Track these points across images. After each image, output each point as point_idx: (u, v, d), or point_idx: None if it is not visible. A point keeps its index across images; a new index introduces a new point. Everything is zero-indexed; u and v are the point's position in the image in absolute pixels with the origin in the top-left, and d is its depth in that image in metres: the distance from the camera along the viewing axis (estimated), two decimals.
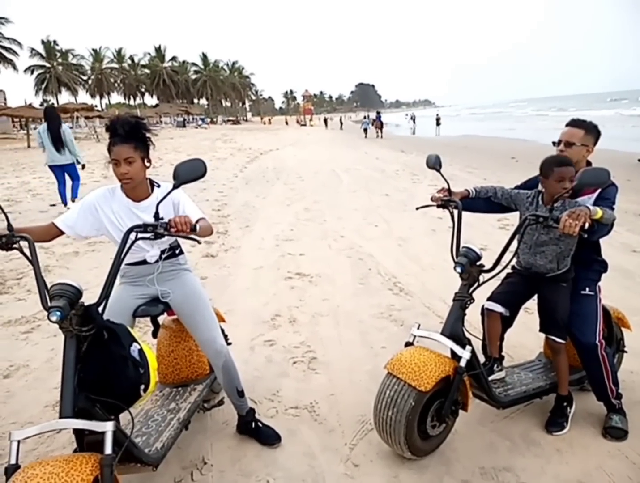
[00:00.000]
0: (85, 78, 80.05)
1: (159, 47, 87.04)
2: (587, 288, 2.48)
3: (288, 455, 2.35)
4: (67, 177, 8.08)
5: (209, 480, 2.21)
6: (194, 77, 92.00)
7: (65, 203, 8.03)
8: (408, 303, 4.21)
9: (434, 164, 2.54)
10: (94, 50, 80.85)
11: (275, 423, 2.58)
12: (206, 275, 4.98)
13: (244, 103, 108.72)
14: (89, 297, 1.74)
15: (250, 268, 5.24)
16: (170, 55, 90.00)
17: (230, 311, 4.09)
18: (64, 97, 73.89)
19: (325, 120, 54.50)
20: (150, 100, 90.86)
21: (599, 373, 2.40)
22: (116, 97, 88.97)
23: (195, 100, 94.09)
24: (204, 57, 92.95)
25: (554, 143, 2.57)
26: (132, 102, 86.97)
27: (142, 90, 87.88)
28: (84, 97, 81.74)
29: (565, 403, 2.52)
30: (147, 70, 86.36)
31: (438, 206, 2.57)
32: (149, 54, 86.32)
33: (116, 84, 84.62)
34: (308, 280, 4.83)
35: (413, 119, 42.35)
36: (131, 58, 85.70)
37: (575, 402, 2.57)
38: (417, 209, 2.79)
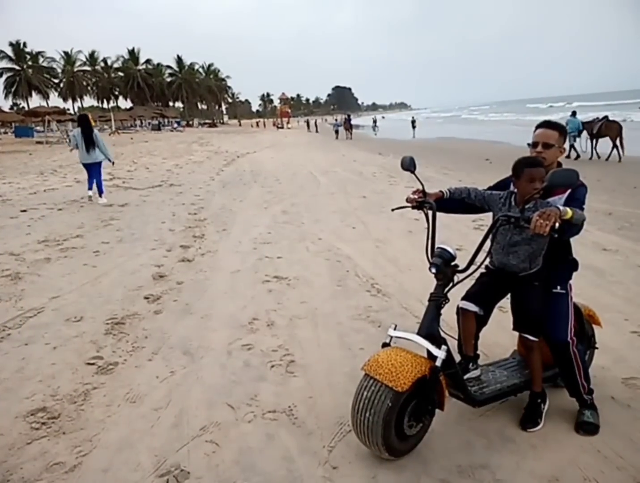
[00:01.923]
0: (56, 81, 78.45)
1: (133, 49, 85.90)
2: (558, 287, 2.52)
3: (266, 459, 2.34)
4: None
5: None
6: (169, 79, 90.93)
7: (90, 188, 9.62)
8: (386, 304, 4.23)
9: (409, 165, 2.57)
10: (66, 53, 79.25)
11: (253, 428, 2.57)
12: (182, 280, 4.92)
13: (220, 106, 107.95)
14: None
15: (228, 272, 5.20)
16: (145, 58, 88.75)
17: (208, 316, 4.05)
18: (35, 101, 72.37)
19: (308, 123, 54.14)
20: (124, 103, 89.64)
21: (571, 370, 2.45)
22: (89, 100, 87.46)
23: (171, 103, 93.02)
24: (179, 60, 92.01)
25: (529, 145, 2.62)
26: (105, 105, 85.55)
27: (116, 93, 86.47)
28: (55, 100, 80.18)
29: (539, 400, 2.57)
30: (121, 73, 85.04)
31: (413, 207, 2.59)
32: (123, 57, 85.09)
33: (89, 87, 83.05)
34: (286, 283, 4.82)
35: (375, 122, 45.53)
36: (104, 61, 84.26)
37: (549, 399, 2.62)
38: (392, 210, 2.82)
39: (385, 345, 2.38)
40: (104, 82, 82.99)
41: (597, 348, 2.93)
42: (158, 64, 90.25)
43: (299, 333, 3.72)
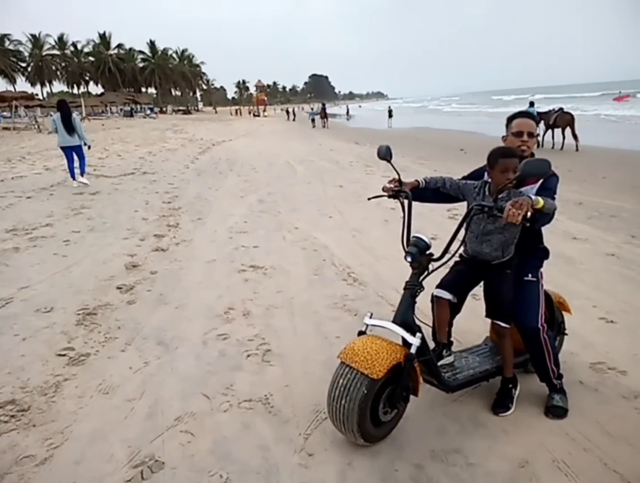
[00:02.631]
0: (24, 65, 75.69)
1: (104, 33, 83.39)
2: (529, 275, 2.57)
3: (242, 448, 2.33)
4: (74, 157, 9.74)
5: (161, 479, 2.16)
6: (141, 65, 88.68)
7: (73, 178, 9.75)
8: (362, 293, 4.25)
9: (385, 155, 2.57)
10: (33, 35, 76.48)
11: (228, 418, 2.56)
12: (156, 270, 4.84)
13: (194, 92, 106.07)
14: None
15: (203, 261, 5.14)
16: (116, 42, 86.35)
17: (182, 306, 4.01)
18: (1, 85, 69.77)
19: (288, 111, 53.40)
20: (95, 88, 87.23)
21: (541, 356, 2.51)
22: (58, 86, 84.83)
23: (144, 89, 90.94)
24: (152, 45, 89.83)
25: (504, 138, 2.65)
26: (75, 90, 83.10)
27: (87, 78, 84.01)
28: (23, 85, 77.59)
29: (510, 385, 2.63)
30: (92, 58, 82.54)
31: (389, 196, 2.60)
32: (93, 40, 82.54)
33: (58, 72, 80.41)
34: (262, 273, 4.80)
35: (348, 111, 47.48)
36: (74, 45, 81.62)
37: (520, 384, 2.68)
38: (368, 199, 2.84)
39: (361, 333, 2.39)
40: (74, 66, 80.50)
41: (566, 334, 3.01)
42: (130, 49, 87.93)
43: (275, 322, 3.71)
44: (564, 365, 2.74)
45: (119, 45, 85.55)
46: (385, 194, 2.61)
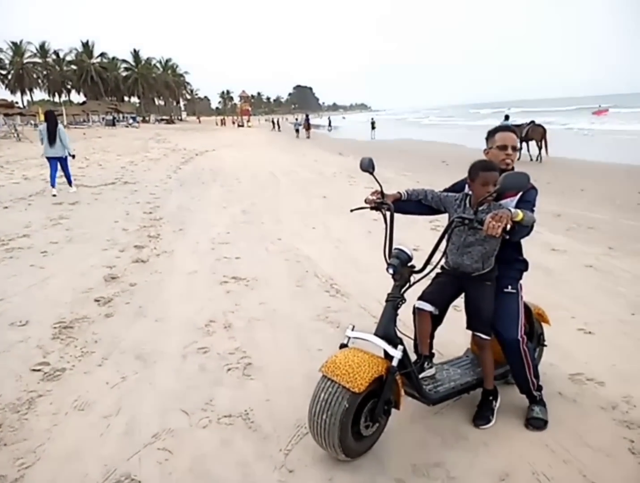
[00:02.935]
0: (4, 73, 74.60)
1: (87, 42, 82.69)
2: (509, 286, 2.60)
3: (221, 465, 2.29)
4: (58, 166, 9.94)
5: None
6: (124, 74, 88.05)
7: (53, 186, 9.76)
8: (344, 304, 4.24)
9: (367, 166, 2.59)
10: (14, 43, 75.46)
11: (208, 434, 2.51)
12: (136, 282, 4.77)
13: (178, 102, 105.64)
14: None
15: (184, 273, 5.08)
16: (99, 51, 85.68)
17: (162, 319, 3.94)
18: None
19: (274, 122, 53.34)
20: (77, 97, 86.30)
21: (521, 367, 2.52)
22: (39, 94, 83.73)
23: (126, 98, 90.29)
24: (136, 54, 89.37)
25: (485, 151, 2.69)
26: (57, 99, 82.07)
27: (68, 86, 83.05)
28: (3, 93, 76.29)
29: (491, 397, 2.63)
30: (74, 66, 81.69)
31: (371, 208, 2.62)
32: (76, 49, 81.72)
33: (39, 80, 79.40)
34: (244, 284, 4.76)
35: (329, 123, 49.01)
36: (56, 53, 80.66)
37: (500, 395, 2.69)
38: (351, 211, 2.84)
39: (343, 346, 2.38)
40: (56, 75, 79.51)
41: (546, 345, 3.03)
42: (113, 58, 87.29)
43: (257, 335, 3.67)
44: (544, 377, 2.76)
45: (102, 54, 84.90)
46: (368, 205, 2.62)
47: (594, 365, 3.16)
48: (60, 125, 9.95)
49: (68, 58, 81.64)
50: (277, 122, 53.23)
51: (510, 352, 2.52)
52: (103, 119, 56.24)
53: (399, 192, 2.68)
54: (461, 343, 3.23)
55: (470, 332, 2.64)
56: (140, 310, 4.12)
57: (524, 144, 16.39)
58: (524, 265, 2.71)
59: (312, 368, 3.09)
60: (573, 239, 6.37)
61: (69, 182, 10.22)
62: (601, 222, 7.30)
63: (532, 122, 16.48)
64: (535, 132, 15.88)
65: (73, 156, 10.39)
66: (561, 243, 6.15)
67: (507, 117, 17.70)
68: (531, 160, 16.12)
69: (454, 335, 3.35)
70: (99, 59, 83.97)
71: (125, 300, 4.33)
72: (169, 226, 7.22)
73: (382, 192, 2.60)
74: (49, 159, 9.89)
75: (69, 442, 2.47)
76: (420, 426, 2.58)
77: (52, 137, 9.67)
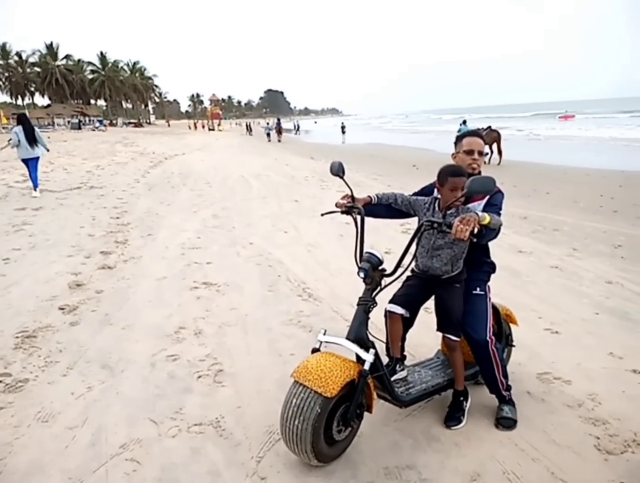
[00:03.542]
0: None
1: (51, 44, 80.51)
2: (477, 288, 2.64)
3: (191, 475, 2.24)
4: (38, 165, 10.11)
5: None
6: (90, 76, 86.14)
7: (36, 188, 9.99)
8: (317, 308, 4.23)
9: (337, 171, 2.59)
10: None
11: (177, 443, 2.45)
12: (102, 289, 4.64)
13: (146, 105, 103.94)
14: None
15: (153, 279, 4.97)
16: (64, 53, 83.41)
17: (130, 326, 3.85)
18: None
19: (247, 126, 52.84)
20: (42, 100, 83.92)
21: (491, 368, 2.56)
22: (1, 96, 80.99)
23: (93, 101, 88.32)
24: (102, 56, 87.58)
25: (453, 155, 2.74)
26: (20, 102, 79.59)
27: (32, 89, 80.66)
28: None
29: (461, 398, 2.66)
30: (38, 68, 79.39)
31: (342, 212, 2.62)
32: (40, 51, 79.45)
33: (0, 82, 76.87)
34: (215, 290, 4.69)
35: (297, 127, 50.37)
36: (18, 54, 78.20)
37: (471, 396, 2.72)
38: (322, 215, 2.85)
39: (315, 350, 2.36)
40: (18, 77, 77.11)
41: (514, 346, 3.09)
42: (79, 60, 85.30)
43: (228, 341, 3.62)
44: (512, 376, 2.81)
45: (67, 56, 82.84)
46: (339, 209, 2.63)
47: (560, 364, 3.23)
48: (36, 128, 10.20)
49: (31, 60, 79.36)
50: (250, 126, 52.93)
51: (479, 353, 2.55)
52: (69, 122, 54.88)
53: (369, 196, 2.69)
54: (432, 345, 3.27)
55: (440, 334, 2.67)
56: (106, 317, 4.00)
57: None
58: (492, 267, 2.76)
59: (285, 373, 3.08)
60: (539, 241, 6.54)
61: (35, 186, 10.11)
62: (565, 224, 7.52)
63: (489, 127, 17.29)
64: (490, 137, 16.61)
65: (47, 150, 10.59)
66: (527, 245, 6.30)
67: (464, 122, 18.73)
68: (484, 163, 16.70)
69: (424, 336, 3.39)
70: (64, 61, 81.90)
71: (91, 307, 4.20)
72: (137, 231, 7.07)
73: (352, 196, 2.61)
74: (25, 160, 9.95)
75: (32, 455, 2.38)
76: (393, 428, 2.59)
77: (31, 138, 9.79)
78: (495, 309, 2.86)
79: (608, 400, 2.81)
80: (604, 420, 2.62)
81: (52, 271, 5.15)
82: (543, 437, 2.50)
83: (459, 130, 19.07)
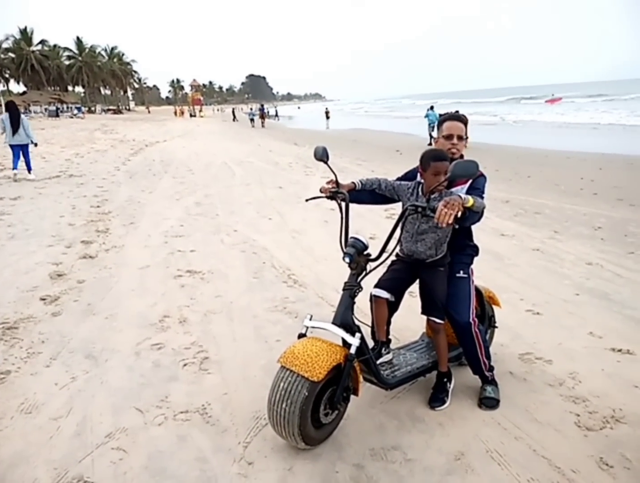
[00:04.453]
0: None
1: (25, 28, 78.03)
2: (461, 271, 2.67)
3: (178, 462, 2.24)
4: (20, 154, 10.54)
5: None
6: (67, 62, 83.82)
7: (15, 168, 10.56)
8: (302, 294, 4.24)
9: (322, 156, 2.57)
10: None
11: (163, 431, 2.45)
12: (84, 279, 4.57)
13: (125, 91, 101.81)
14: None
15: (136, 268, 4.92)
16: (39, 38, 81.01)
17: (113, 316, 3.81)
18: None
19: (234, 112, 51.94)
20: (17, 87, 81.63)
21: (474, 349, 2.60)
22: None
23: (70, 88, 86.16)
24: (79, 42, 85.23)
25: (435, 140, 2.74)
26: None
27: (6, 75, 78.32)
28: None
29: (445, 380, 2.71)
30: (12, 54, 76.99)
31: (327, 197, 2.61)
32: (13, 36, 76.97)
33: None
34: (200, 277, 4.66)
35: (276, 112, 51.22)
36: None
37: (454, 377, 2.77)
38: (306, 200, 2.84)
39: (301, 335, 2.38)
40: None
41: (496, 327, 3.14)
42: (55, 46, 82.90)
43: (214, 328, 3.61)
44: (495, 357, 2.85)
45: (43, 42, 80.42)
46: (323, 195, 2.62)
47: (542, 345, 3.30)
48: (22, 116, 10.63)
49: (4, 45, 76.85)
50: (234, 112, 52.25)
51: (462, 334, 2.59)
52: (46, 109, 53.49)
53: (353, 182, 2.69)
54: (416, 329, 3.30)
55: (425, 317, 2.69)
56: (89, 307, 3.96)
57: None
58: (475, 251, 2.78)
59: (271, 360, 3.09)
60: (520, 224, 6.62)
61: (29, 169, 10.61)
62: (546, 207, 7.62)
63: (457, 112, 17.45)
64: None
65: (35, 144, 10.98)
66: (509, 228, 6.37)
67: (432, 108, 19.51)
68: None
69: (408, 320, 3.42)
70: (39, 47, 79.44)
71: (73, 297, 4.15)
72: (119, 220, 6.97)
73: (337, 181, 2.60)
74: (12, 146, 10.47)
75: (16, 447, 2.35)
76: (378, 411, 2.62)
77: (16, 125, 10.25)
78: (478, 291, 2.89)
79: (588, 379, 2.88)
80: (584, 397, 2.69)
81: (33, 261, 5.06)
82: (525, 416, 2.55)
83: (426, 116, 19.59)
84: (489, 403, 2.62)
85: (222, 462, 2.24)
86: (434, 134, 19.39)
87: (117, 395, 2.76)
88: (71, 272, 4.77)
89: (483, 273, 3.14)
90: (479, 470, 2.17)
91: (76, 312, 3.87)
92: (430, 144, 18.55)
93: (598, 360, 3.10)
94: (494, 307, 3.12)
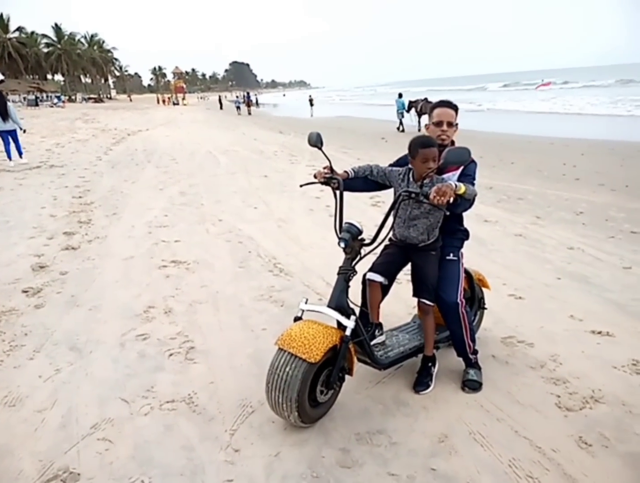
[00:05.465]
0: None
1: (1, 15, 75.96)
2: (451, 254, 2.72)
3: (165, 451, 2.25)
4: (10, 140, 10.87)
5: None
6: (46, 50, 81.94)
7: (10, 158, 10.91)
8: (288, 283, 4.24)
9: (316, 141, 2.58)
10: None
11: (150, 421, 2.45)
12: (67, 270, 4.52)
13: (106, 79, 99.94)
14: None
15: (119, 258, 4.87)
16: (15, 25, 78.86)
17: (97, 307, 3.78)
18: None
19: (220, 100, 51.13)
20: None
21: (459, 330, 2.64)
22: None
23: (50, 76, 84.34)
24: (57, 29, 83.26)
25: (426, 126, 2.77)
26: None
27: None
28: None
29: (430, 364, 2.75)
30: None
31: (321, 183, 2.63)
32: None
33: None
34: (185, 268, 4.64)
35: (257, 100, 50.45)
36: None
37: (438, 362, 2.81)
38: (300, 186, 2.85)
39: (297, 319, 2.43)
40: None
41: (486, 308, 3.21)
42: (32, 33, 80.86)
43: (199, 318, 3.60)
44: (478, 341, 2.89)
45: (20, 29, 78.39)
46: (317, 180, 2.63)
47: (524, 328, 3.35)
48: (9, 103, 10.87)
49: None
50: (219, 99, 51.65)
51: (449, 315, 2.63)
52: (24, 98, 52.32)
53: (345, 171, 2.71)
54: (401, 315, 3.35)
55: (410, 303, 2.73)
56: (72, 299, 3.92)
57: (418, 117, 18.81)
58: (465, 235, 2.84)
59: (257, 348, 3.10)
60: (503, 210, 6.68)
61: (20, 153, 11.07)
62: (529, 193, 7.69)
63: (425, 98, 18.77)
64: (426, 107, 17.86)
65: (24, 131, 11.32)
66: (493, 214, 6.43)
67: (400, 95, 19.91)
68: (419, 131, 18.05)
69: (395, 307, 3.46)
70: (16, 34, 77.47)
71: (56, 289, 4.10)
72: (101, 211, 6.88)
73: (331, 167, 2.61)
74: (1, 133, 10.72)
75: (0, 439, 2.34)
76: (364, 396, 2.65)
77: (3, 113, 10.44)
78: (468, 274, 2.97)
79: (568, 361, 2.94)
80: (564, 379, 2.75)
81: (14, 253, 4.98)
82: (507, 398, 2.60)
83: (395, 102, 19.83)
84: (472, 385, 2.67)
85: (208, 450, 2.25)
86: (404, 120, 19.38)
87: (103, 386, 2.75)
88: (53, 263, 4.71)
89: (467, 259, 3.16)
90: (463, 451, 2.22)
91: (59, 304, 3.83)
92: (398, 128, 19.27)
93: (578, 342, 3.16)
94: (483, 289, 3.17)
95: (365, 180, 2.75)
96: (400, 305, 3.54)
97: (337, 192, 2.58)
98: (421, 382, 2.69)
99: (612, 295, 3.87)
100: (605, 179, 8.68)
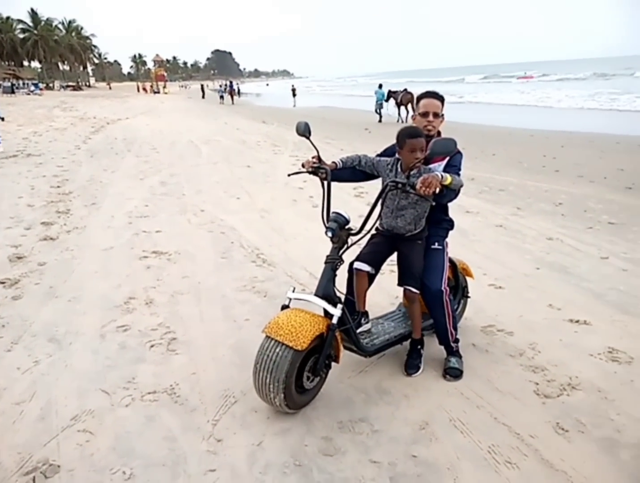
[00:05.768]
0: None
1: None
2: (436, 243, 2.76)
3: (146, 442, 2.23)
4: None
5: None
6: (21, 36, 79.63)
7: None
8: (271, 274, 4.23)
9: (304, 131, 2.59)
10: None
11: (131, 412, 2.43)
12: (45, 261, 4.44)
13: (85, 67, 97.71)
14: None
15: (99, 249, 4.79)
16: None
17: (76, 298, 3.72)
18: None
19: (203, 88, 50.28)
20: None
21: (442, 318, 2.67)
22: None
23: (26, 63, 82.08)
24: (34, 14, 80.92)
25: (413, 117, 2.78)
26: None
27: None
28: None
29: (419, 346, 2.81)
30: None
31: (309, 172, 2.63)
32: None
33: None
34: (166, 258, 4.59)
35: (237, 90, 49.01)
36: None
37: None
38: (288, 175, 2.86)
39: (284, 307, 2.44)
40: None
41: (469, 297, 3.26)
42: (7, 18, 78.49)
43: (181, 309, 3.57)
44: (459, 330, 2.93)
45: None
46: (305, 169, 2.63)
47: (503, 317, 3.41)
48: None
49: None
50: (202, 88, 50.89)
51: (433, 302, 2.66)
52: (0, 85, 50.87)
53: (334, 162, 2.71)
54: (384, 305, 3.37)
55: (394, 293, 2.75)
56: (51, 290, 3.85)
57: (397, 108, 19.34)
58: (450, 225, 2.88)
59: (240, 339, 3.09)
60: (484, 201, 6.76)
61: None
62: (510, 184, 7.79)
63: (405, 89, 19.14)
64: (405, 98, 18.44)
65: (2, 119, 11.74)
66: (474, 205, 6.50)
67: (380, 86, 20.33)
68: (398, 121, 18.68)
69: (378, 297, 3.47)
70: None
71: (34, 280, 4.03)
72: (80, 200, 6.75)
73: (319, 157, 2.61)
74: None
75: None
76: (346, 385, 2.67)
77: None
78: (452, 263, 3.01)
79: (547, 349, 3.00)
80: (542, 367, 2.80)
81: None
82: (487, 385, 2.65)
83: (375, 93, 19.94)
84: (453, 373, 2.71)
85: (191, 440, 2.24)
86: (383, 111, 19.85)
87: (83, 378, 2.72)
88: (31, 254, 4.62)
89: (450, 249, 3.22)
90: (443, 438, 2.25)
91: (38, 295, 3.76)
92: (380, 121, 19.51)
93: (556, 331, 3.22)
94: (467, 278, 3.21)
95: (353, 171, 2.76)
96: (383, 295, 3.56)
97: (325, 182, 2.58)
98: (412, 364, 2.75)
99: (590, 284, 3.95)
100: (584, 170, 8.83)
